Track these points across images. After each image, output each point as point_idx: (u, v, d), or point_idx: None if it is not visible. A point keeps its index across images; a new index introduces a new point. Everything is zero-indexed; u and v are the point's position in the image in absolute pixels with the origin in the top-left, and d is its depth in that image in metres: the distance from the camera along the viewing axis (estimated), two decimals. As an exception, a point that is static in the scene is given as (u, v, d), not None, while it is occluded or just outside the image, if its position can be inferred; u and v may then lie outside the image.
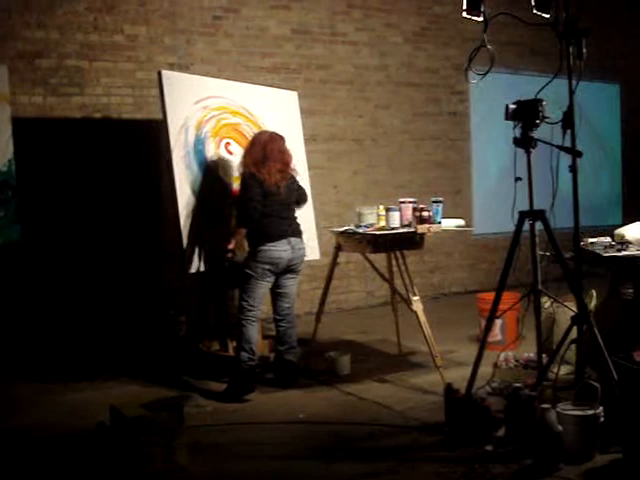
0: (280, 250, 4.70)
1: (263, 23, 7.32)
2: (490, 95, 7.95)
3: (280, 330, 4.96)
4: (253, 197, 4.64)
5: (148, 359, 5.63)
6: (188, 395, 4.67)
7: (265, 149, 4.75)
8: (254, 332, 4.74)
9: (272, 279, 4.80)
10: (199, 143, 5.18)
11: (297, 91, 6.26)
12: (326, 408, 4.35)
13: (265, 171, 4.69)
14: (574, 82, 3.76)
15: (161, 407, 3.70)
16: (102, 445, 3.68)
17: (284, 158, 4.83)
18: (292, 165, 4.92)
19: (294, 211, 4.94)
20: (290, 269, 4.84)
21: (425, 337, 4.97)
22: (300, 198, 5.03)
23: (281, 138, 4.88)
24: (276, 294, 4.94)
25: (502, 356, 4.73)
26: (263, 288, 4.77)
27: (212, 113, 5.31)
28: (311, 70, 7.62)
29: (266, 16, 7.32)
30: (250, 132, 5.37)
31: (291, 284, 4.96)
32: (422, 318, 4.98)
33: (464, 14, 3.92)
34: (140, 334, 6.09)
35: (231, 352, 5.23)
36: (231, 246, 4.80)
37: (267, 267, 4.69)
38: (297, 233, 4.87)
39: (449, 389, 3.97)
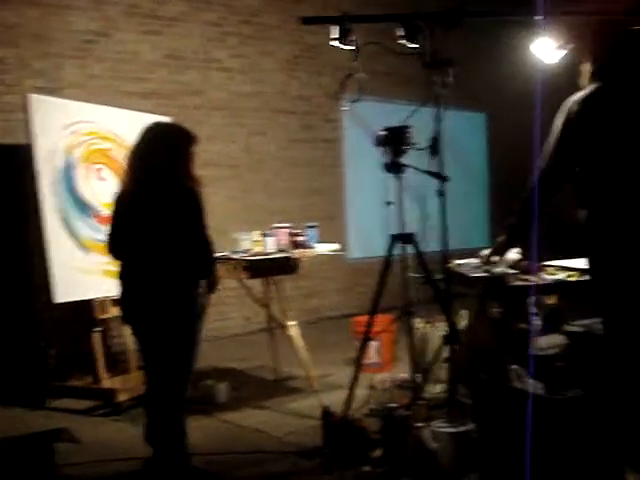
0: None
1: (135, 48, 7.23)
2: (363, 122, 8.12)
3: None
4: None
5: (17, 393, 5.36)
6: (59, 430, 4.48)
7: None
8: None
9: None
10: (68, 169, 5.04)
11: (171, 117, 6.19)
12: (203, 438, 4.28)
13: None
14: (440, 110, 3.91)
15: (31, 443, 3.55)
16: None
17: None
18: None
19: None
20: None
21: (302, 362, 5.00)
22: None
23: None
24: None
25: (378, 378, 4.80)
26: None
27: (82, 138, 5.19)
28: (185, 96, 7.57)
29: (138, 41, 7.24)
30: (121, 158, 5.27)
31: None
32: (299, 343, 5.01)
33: (334, 43, 4.00)
34: (7, 367, 5.79)
35: (104, 385, 5.09)
36: None
37: None
38: None
39: (326, 412, 4.00)
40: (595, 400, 3.41)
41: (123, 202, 3.54)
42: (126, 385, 5.13)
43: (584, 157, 3.19)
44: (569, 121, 3.18)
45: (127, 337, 5.24)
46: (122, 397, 5.00)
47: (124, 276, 3.55)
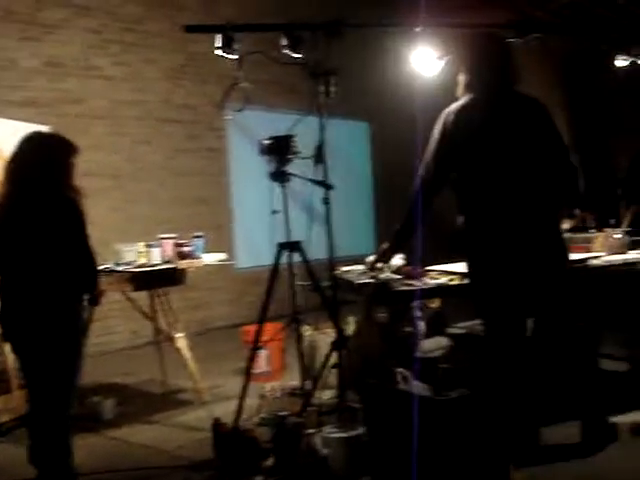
0: None
1: (13, 55, 6.96)
2: (248, 131, 8.13)
3: None
4: None
5: None
6: None
7: None
8: None
9: None
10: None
11: (50, 126, 6.00)
12: (90, 456, 4.15)
13: None
14: (324, 119, 3.96)
15: None
16: None
17: None
18: None
19: None
20: None
21: (190, 374, 4.94)
22: None
23: None
24: None
25: (268, 386, 4.80)
26: None
27: (-46, 149, 4.96)
28: (65, 104, 7.35)
29: (16, 48, 6.97)
30: (-2, 169, 5.07)
31: None
32: (187, 355, 4.95)
33: (218, 52, 3.99)
34: None
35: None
36: None
37: None
38: None
39: (216, 424, 3.96)
40: (478, 399, 3.53)
41: (1, 215, 3.41)
42: (7, 405, 4.92)
43: (460, 165, 3.31)
44: (445, 131, 3.30)
45: (7, 355, 5.02)
46: (3, 418, 4.79)
47: (3, 291, 3.41)
